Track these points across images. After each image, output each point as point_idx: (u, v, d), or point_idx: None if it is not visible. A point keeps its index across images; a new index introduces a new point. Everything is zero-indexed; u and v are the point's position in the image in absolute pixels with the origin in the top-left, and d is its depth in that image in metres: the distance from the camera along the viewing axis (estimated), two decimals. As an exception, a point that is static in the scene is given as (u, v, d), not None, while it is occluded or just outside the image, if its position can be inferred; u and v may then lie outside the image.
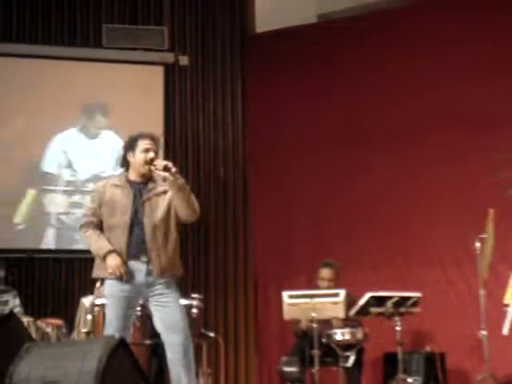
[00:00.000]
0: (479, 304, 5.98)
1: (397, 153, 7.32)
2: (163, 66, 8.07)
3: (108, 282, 4.69)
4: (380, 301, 5.99)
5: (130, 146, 4.77)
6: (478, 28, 7.06)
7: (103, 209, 4.71)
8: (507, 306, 5.29)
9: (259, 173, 7.94)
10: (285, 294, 6.07)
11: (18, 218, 7.25)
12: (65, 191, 7.60)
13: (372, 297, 5.99)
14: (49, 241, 7.55)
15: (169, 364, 4.64)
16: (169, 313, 4.61)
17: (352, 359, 5.94)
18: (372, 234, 7.30)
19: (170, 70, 8.12)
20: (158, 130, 7.91)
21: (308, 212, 7.70)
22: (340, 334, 5.96)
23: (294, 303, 6.00)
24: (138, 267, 4.63)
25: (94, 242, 4.69)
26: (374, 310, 6.00)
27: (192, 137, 8.13)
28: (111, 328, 4.61)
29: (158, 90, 8.00)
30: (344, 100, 7.64)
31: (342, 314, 5.96)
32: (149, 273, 4.63)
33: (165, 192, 4.72)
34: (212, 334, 6.22)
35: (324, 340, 5.98)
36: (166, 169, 4.60)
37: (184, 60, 8.15)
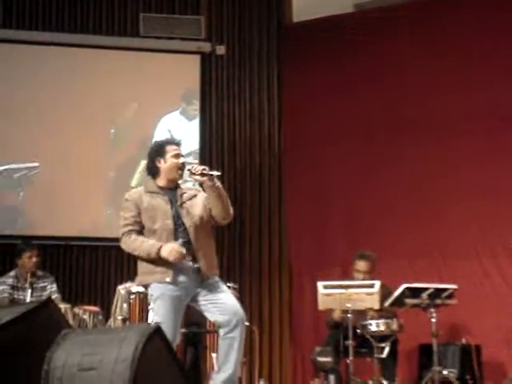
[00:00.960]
0: (516, 297, 5.94)
1: (434, 144, 7.25)
2: (200, 55, 8.09)
3: (156, 286, 4.61)
4: (415, 292, 5.97)
5: (158, 152, 4.76)
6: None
7: (143, 216, 4.67)
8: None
9: (294, 163, 7.93)
10: (320, 284, 6.07)
11: (134, 182, 7.81)
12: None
13: (407, 288, 5.96)
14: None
15: (220, 343, 4.60)
16: (223, 300, 4.61)
17: (387, 350, 5.93)
18: (407, 225, 7.26)
19: (207, 60, 8.14)
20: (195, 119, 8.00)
21: (342, 202, 7.67)
22: (375, 325, 5.96)
23: (329, 293, 6.00)
24: (186, 267, 4.62)
25: (141, 244, 4.63)
26: (409, 301, 5.98)
27: (228, 126, 8.14)
28: (165, 328, 4.48)
29: (195, 80, 8.02)
30: (379, 90, 7.59)
31: (376, 305, 5.95)
32: (197, 272, 4.63)
33: (195, 196, 4.76)
34: (247, 323, 6.23)
35: (358, 331, 5.98)
36: (202, 174, 4.60)
37: (221, 49, 8.16)
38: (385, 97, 7.54)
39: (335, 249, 7.54)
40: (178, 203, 4.71)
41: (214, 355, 5.71)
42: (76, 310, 6.22)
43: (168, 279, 4.55)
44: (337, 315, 6.20)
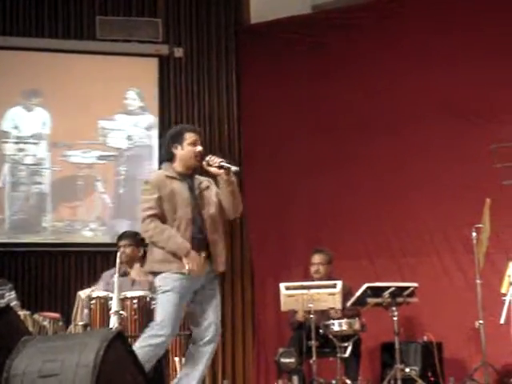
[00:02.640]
0: (476, 293, 5.99)
1: (393, 143, 7.31)
2: (158, 57, 8.05)
3: (169, 276, 4.53)
4: (377, 291, 6.00)
5: (176, 138, 4.72)
6: (483, 15, 7.05)
7: (165, 201, 4.59)
8: (504, 295, 5.30)
9: (254, 165, 7.92)
10: (282, 286, 6.07)
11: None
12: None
13: (369, 287, 6.00)
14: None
15: (192, 350, 4.60)
16: (210, 313, 4.62)
17: (349, 350, 5.95)
18: (368, 225, 7.30)
19: (165, 62, 8.10)
20: (153, 121, 7.96)
21: (303, 203, 7.69)
22: (337, 325, 5.97)
23: (291, 294, 6.01)
24: (200, 261, 4.58)
25: (168, 239, 4.53)
26: (370, 300, 6.01)
27: (187, 129, 8.09)
28: (171, 322, 4.49)
29: (153, 82, 7.99)
30: (337, 90, 7.62)
31: (338, 305, 5.98)
32: (209, 266, 4.62)
33: (208, 187, 4.74)
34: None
35: (321, 331, 5.99)
36: (220, 166, 4.59)
37: (179, 52, 8.13)
38: (344, 96, 7.57)
39: (297, 250, 7.55)
40: (197, 192, 4.68)
41: (176, 359, 5.68)
42: (36, 316, 6.14)
43: (185, 270, 4.50)
44: (300, 316, 6.21)
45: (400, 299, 6.00)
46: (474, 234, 6.03)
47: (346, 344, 5.95)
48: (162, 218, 4.58)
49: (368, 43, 7.54)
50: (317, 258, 6.62)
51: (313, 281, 6.36)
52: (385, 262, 7.14)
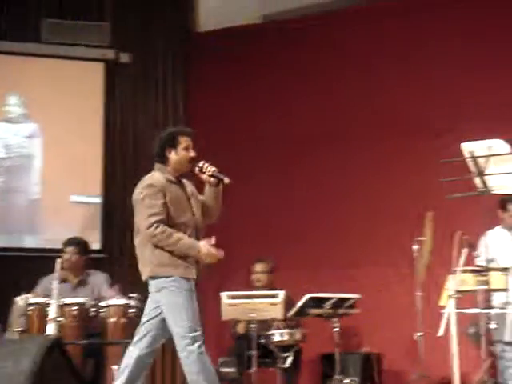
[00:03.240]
0: (416, 306, 6.05)
1: (336, 156, 7.37)
2: (104, 62, 7.95)
3: (177, 279, 4.48)
4: (318, 302, 6.02)
5: (171, 142, 4.68)
6: (423, 29, 7.16)
7: (169, 207, 4.54)
8: (443, 307, 5.36)
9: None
10: (223, 295, 6.04)
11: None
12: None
13: (311, 298, 6.01)
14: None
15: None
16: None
17: (290, 360, 5.95)
18: (311, 235, 7.33)
19: (111, 67, 8.00)
20: (98, 127, 7.85)
21: (246, 212, 7.67)
22: (278, 335, 5.97)
23: (233, 304, 5.98)
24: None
25: (177, 242, 4.47)
26: (312, 311, 6.02)
27: (133, 135, 8.02)
28: (195, 319, 4.47)
29: (99, 87, 7.89)
30: (286, 102, 7.66)
31: (280, 315, 5.97)
32: (198, 272, 4.61)
33: (194, 192, 4.77)
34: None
35: (262, 341, 5.98)
36: (213, 176, 4.65)
37: (125, 57, 8.04)
38: (292, 108, 7.60)
39: (239, 259, 7.51)
40: (190, 197, 4.69)
41: (114, 367, 5.60)
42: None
43: (191, 275, 4.51)
44: (241, 326, 6.19)
45: (341, 310, 6.03)
46: (416, 246, 6.09)
47: (286, 354, 5.95)
48: (166, 223, 4.53)
49: (314, 55, 7.59)
50: (259, 267, 6.65)
51: (254, 290, 6.35)
52: (327, 272, 7.16)
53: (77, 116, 7.75)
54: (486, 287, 4.77)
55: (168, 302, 4.49)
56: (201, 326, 4.50)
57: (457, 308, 5.32)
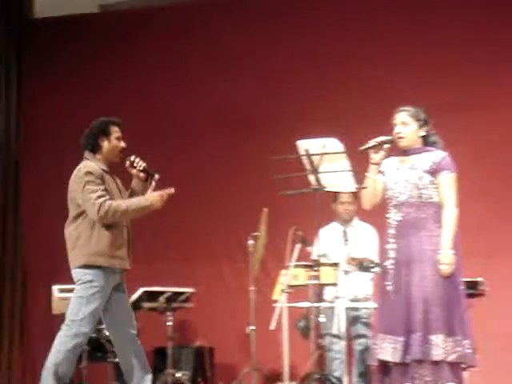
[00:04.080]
0: (249, 300, 6.13)
1: (183, 150, 7.34)
2: None
3: (99, 272, 4.42)
4: (153, 296, 6.03)
5: (103, 130, 4.57)
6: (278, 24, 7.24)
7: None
8: (276, 301, 5.46)
9: (35, 163, 7.65)
10: (55, 288, 5.91)
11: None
12: None
13: (145, 292, 5.99)
14: None
15: None
16: (125, 307, 4.64)
17: (121, 354, 5.86)
18: (147, 228, 7.25)
19: None
20: None
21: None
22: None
23: (65, 297, 5.83)
24: (123, 261, 4.54)
25: (129, 204, 4.47)
26: (146, 304, 6.02)
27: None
28: (91, 321, 4.44)
29: None
30: (125, 93, 7.54)
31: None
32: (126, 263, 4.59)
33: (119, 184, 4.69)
34: None
35: (93, 335, 5.86)
36: (144, 170, 4.62)
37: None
38: (130, 101, 7.49)
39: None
40: (120, 189, 4.63)
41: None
42: None
43: (127, 266, 4.52)
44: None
45: (175, 304, 6.06)
46: (251, 241, 6.17)
47: (117, 349, 5.87)
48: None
49: (155, 47, 7.53)
50: None
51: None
52: (162, 266, 7.14)
53: None
54: (316, 282, 4.88)
55: (82, 292, 4.52)
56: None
57: (289, 302, 5.45)
